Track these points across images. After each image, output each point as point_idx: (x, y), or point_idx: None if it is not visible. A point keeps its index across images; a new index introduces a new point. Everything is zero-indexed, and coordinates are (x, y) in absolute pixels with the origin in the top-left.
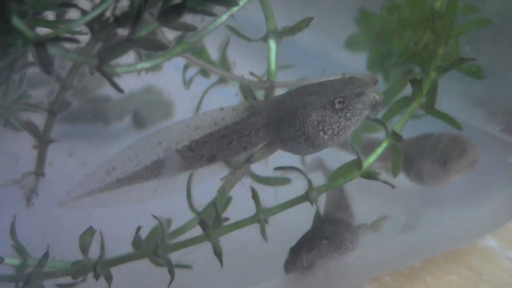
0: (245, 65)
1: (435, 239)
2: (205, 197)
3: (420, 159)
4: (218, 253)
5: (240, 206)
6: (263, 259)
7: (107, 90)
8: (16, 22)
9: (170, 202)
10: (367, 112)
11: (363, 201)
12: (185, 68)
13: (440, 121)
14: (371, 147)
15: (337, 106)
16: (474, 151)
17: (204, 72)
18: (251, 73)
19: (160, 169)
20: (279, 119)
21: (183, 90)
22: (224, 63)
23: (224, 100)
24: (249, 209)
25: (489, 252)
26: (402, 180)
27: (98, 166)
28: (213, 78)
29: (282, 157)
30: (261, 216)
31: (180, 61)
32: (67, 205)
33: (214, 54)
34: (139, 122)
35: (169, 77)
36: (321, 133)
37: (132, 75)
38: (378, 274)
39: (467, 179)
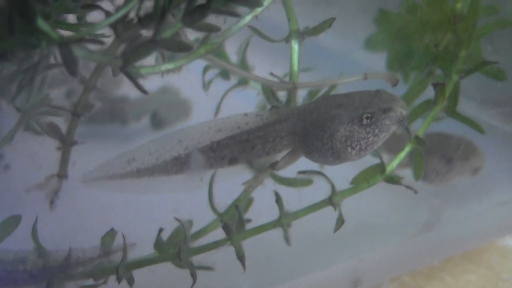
0: (263, 68)
1: (455, 238)
2: (223, 195)
3: (427, 155)
4: (241, 257)
5: (260, 206)
6: (285, 258)
7: (124, 90)
8: (41, 23)
9: (185, 200)
10: (394, 127)
11: (382, 200)
12: (206, 69)
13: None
14: (395, 144)
15: (365, 121)
16: (481, 158)
17: (223, 74)
18: (271, 74)
19: (179, 166)
20: (305, 130)
21: (201, 90)
22: (244, 65)
23: (243, 102)
24: (269, 208)
25: (507, 251)
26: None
27: (120, 153)
28: (232, 80)
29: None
30: (284, 221)
31: (199, 62)
32: (89, 184)
33: (232, 58)
34: (157, 122)
35: (187, 77)
36: (349, 149)
37: (149, 75)
38: (398, 274)
39: (487, 178)
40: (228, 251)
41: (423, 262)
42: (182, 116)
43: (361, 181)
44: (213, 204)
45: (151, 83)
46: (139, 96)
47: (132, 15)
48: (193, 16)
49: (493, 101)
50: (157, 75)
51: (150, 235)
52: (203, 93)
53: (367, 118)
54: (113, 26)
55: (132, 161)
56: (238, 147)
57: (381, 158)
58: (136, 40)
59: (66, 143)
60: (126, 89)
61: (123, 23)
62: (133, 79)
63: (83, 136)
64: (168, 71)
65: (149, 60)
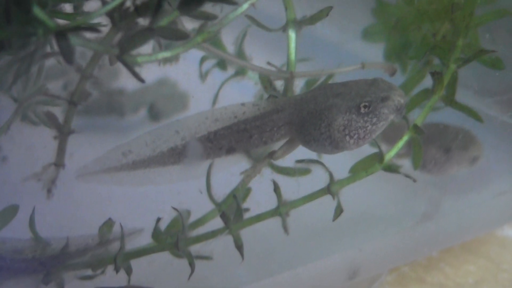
0: (260, 60)
1: (454, 228)
2: (222, 185)
3: (425, 144)
4: (239, 246)
5: (258, 195)
6: (283, 249)
7: (122, 82)
8: (37, 11)
9: (184, 190)
10: (392, 116)
11: (381, 190)
12: (203, 59)
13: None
14: (393, 133)
15: (362, 110)
16: (479, 147)
17: (221, 65)
18: (269, 63)
19: (176, 157)
20: (302, 119)
21: (198, 82)
22: (241, 55)
23: (241, 93)
24: (267, 198)
25: (507, 241)
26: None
27: (115, 146)
28: (230, 71)
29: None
30: (282, 210)
31: (195, 53)
32: (84, 179)
33: (229, 49)
34: (154, 114)
35: (184, 69)
36: (347, 138)
37: (147, 67)
38: (397, 265)
39: (485, 168)
40: (227, 242)
41: (422, 253)
42: (180, 108)
43: (360, 170)
44: (211, 194)
45: (149, 76)
46: (137, 88)
47: (128, 3)
48: (190, 4)
49: (491, 91)
50: (154, 67)
51: (148, 226)
52: (200, 85)
53: (364, 107)
54: (110, 14)
55: (128, 153)
56: (235, 137)
57: (379, 147)
58: (133, 29)
59: (63, 132)
60: (124, 81)
61: (120, 12)
62: (130, 67)
63: (80, 129)
64: (165, 59)
65: (147, 50)
